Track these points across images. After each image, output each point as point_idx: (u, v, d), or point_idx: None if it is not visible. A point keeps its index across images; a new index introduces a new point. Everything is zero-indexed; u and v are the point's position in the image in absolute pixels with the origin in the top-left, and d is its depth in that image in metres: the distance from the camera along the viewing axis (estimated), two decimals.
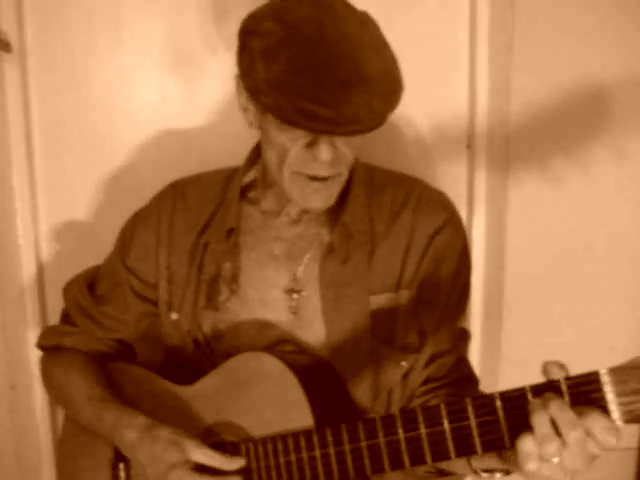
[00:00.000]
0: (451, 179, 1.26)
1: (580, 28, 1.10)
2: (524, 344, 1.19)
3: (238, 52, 0.80)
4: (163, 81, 1.22)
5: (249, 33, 0.78)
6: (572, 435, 0.56)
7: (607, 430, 0.56)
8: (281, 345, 0.89)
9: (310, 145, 0.77)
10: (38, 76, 1.21)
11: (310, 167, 0.79)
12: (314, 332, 0.88)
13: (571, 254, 1.18)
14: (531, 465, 0.58)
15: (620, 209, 1.17)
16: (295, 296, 0.89)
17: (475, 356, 1.28)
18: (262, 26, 0.76)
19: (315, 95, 0.71)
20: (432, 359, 0.89)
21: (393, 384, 0.89)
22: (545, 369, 0.60)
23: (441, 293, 0.89)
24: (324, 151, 0.76)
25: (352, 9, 0.79)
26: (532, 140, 1.13)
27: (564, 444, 0.56)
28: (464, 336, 0.95)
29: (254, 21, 0.78)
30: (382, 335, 0.88)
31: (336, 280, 0.88)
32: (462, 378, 0.90)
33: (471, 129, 1.24)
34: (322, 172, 0.79)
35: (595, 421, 0.56)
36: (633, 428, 1.28)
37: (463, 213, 1.27)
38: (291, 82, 0.72)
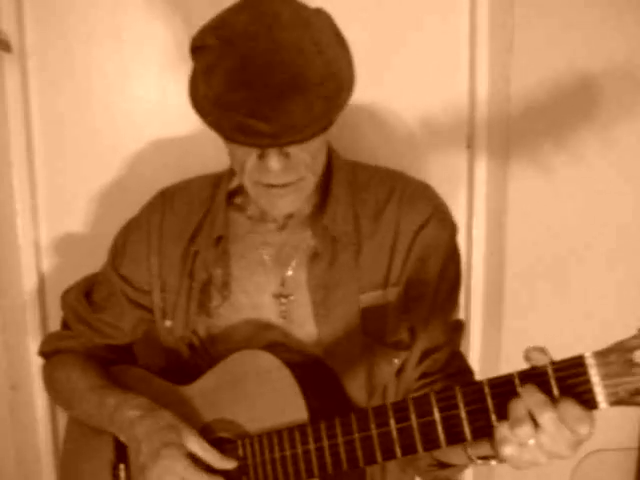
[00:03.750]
0: (451, 178, 1.26)
1: (580, 28, 1.10)
2: (524, 344, 1.19)
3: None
4: (163, 81, 1.22)
5: (194, 51, 0.78)
6: (544, 417, 0.57)
7: (577, 419, 0.56)
8: (274, 349, 0.88)
9: (262, 156, 0.77)
10: (38, 76, 1.21)
11: (266, 177, 0.79)
12: (305, 335, 0.89)
13: (571, 253, 1.18)
14: (507, 449, 0.59)
15: (621, 208, 1.17)
16: (284, 300, 0.89)
17: (475, 356, 1.28)
18: (204, 42, 0.75)
19: (251, 109, 0.70)
20: (426, 354, 0.89)
21: (386, 381, 0.89)
22: (527, 356, 0.61)
23: (429, 288, 0.89)
24: (273, 161, 0.75)
25: (296, 10, 0.75)
26: (532, 139, 1.13)
27: (539, 426, 0.57)
28: (458, 328, 0.94)
29: (197, 38, 0.77)
30: (373, 333, 0.88)
31: (324, 283, 0.88)
32: (457, 371, 0.90)
33: (471, 129, 1.24)
34: (275, 180, 0.79)
35: (566, 410, 0.57)
36: (633, 428, 1.28)
37: (463, 212, 1.27)
38: (228, 98, 0.71)
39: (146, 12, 1.20)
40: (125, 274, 0.98)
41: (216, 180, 0.98)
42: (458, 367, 0.91)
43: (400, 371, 0.89)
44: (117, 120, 1.23)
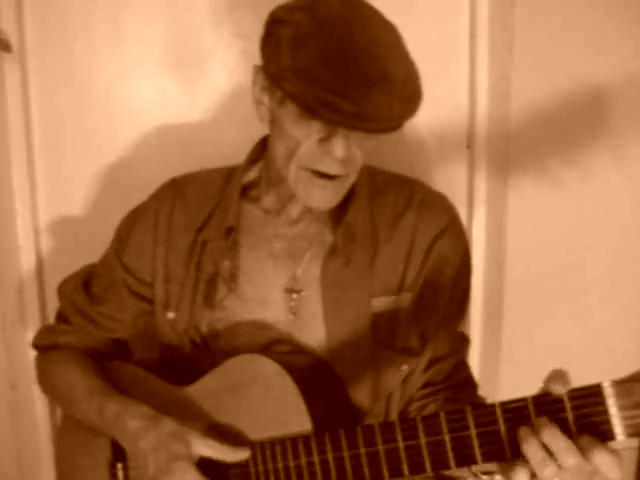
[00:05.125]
0: (451, 180, 1.26)
1: (580, 28, 1.10)
2: (524, 345, 1.19)
3: (263, 41, 0.80)
4: (163, 81, 1.22)
5: (278, 22, 0.78)
6: (569, 462, 0.56)
7: (609, 466, 0.56)
8: (279, 345, 0.89)
9: (324, 140, 0.77)
10: (38, 76, 1.21)
11: (321, 163, 0.78)
12: (313, 333, 0.88)
13: (571, 255, 1.18)
14: None
15: (620, 210, 1.17)
16: (295, 296, 0.88)
17: (475, 357, 1.28)
18: (292, 16, 0.76)
19: (339, 88, 0.71)
20: (431, 363, 0.89)
21: (393, 387, 0.88)
22: (546, 387, 0.60)
23: (443, 297, 0.89)
24: (338, 146, 0.76)
25: (381, 16, 0.80)
26: (532, 140, 1.13)
27: (561, 467, 0.57)
28: (463, 340, 0.95)
29: (284, 11, 0.78)
30: (383, 338, 0.87)
31: (338, 281, 0.87)
32: (460, 383, 0.90)
33: (471, 129, 1.24)
34: (333, 169, 0.79)
35: (600, 458, 0.56)
36: None
37: (463, 214, 1.27)
38: (317, 72, 0.72)
39: (146, 12, 1.20)
40: (128, 263, 0.96)
41: (228, 173, 0.97)
42: (462, 378, 0.91)
43: (406, 378, 0.89)
44: (116, 120, 1.23)
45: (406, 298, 0.88)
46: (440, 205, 0.92)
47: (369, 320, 0.87)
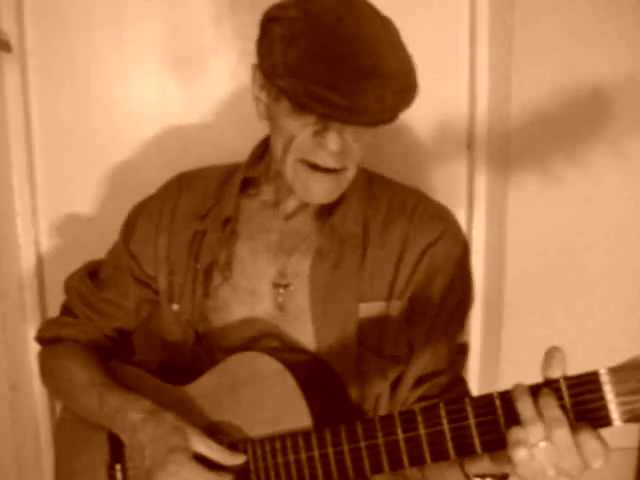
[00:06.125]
0: (451, 179, 1.26)
1: (580, 28, 1.10)
2: (524, 344, 1.19)
3: (258, 39, 0.81)
4: (163, 81, 1.22)
5: (271, 20, 0.79)
6: (557, 434, 0.57)
7: (595, 453, 0.56)
8: (267, 339, 0.89)
9: (318, 133, 0.78)
10: (38, 76, 1.21)
11: (316, 155, 0.79)
12: (300, 329, 0.88)
13: (571, 254, 1.18)
14: (520, 453, 0.58)
15: (620, 209, 1.17)
16: (282, 291, 0.89)
17: (475, 356, 1.28)
18: (285, 13, 0.77)
19: (330, 82, 0.72)
20: (427, 377, 0.87)
21: (379, 392, 0.88)
22: (545, 373, 0.60)
23: (432, 307, 0.88)
24: (332, 140, 0.76)
25: (375, 10, 0.81)
26: (532, 140, 1.13)
27: (550, 439, 0.57)
28: (462, 351, 0.94)
29: (278, 9, 0.79)
30: (370, 344, 0.87)
31: (326, 281, 0.87)
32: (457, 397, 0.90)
33: (471, 129, 1.24)
34: (328, 162, 0.79)
35: (585, 441, 0.57)
36: (633, 428, 1.28)
37: (463, 214, 1.27)
38: (307, 67, 0.73)
39: (146, 12, 1.20)
40: (134, 251, 0.97)
41: (231, 169, 0.98)
42: (458, 393, 0.89)
43: (395, 386, 0.88)
44: (117, 119, 1.23)
45: (396, 306, 0.88)
46: (436, 214, 0.91)
47: (356, 324, 0.87)
